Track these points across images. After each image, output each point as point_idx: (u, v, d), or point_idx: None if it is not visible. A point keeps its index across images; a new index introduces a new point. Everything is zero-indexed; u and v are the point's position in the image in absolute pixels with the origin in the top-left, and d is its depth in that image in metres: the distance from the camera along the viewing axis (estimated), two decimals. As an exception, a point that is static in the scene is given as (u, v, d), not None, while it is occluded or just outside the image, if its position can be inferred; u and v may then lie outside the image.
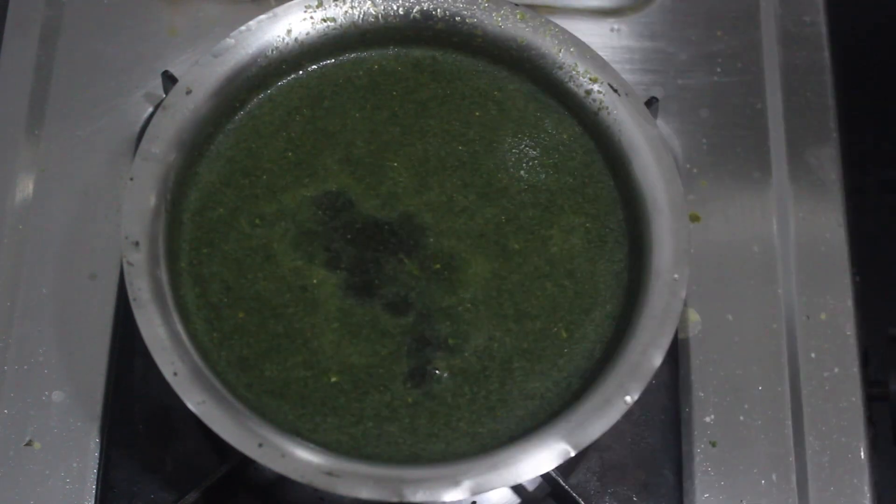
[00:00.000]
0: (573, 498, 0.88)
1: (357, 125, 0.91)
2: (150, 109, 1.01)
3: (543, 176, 0.90)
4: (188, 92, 0.88)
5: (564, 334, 0.85)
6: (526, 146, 0.91)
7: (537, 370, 0.84)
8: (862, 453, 0.93)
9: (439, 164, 0.90)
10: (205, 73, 0.88)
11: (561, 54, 0.91)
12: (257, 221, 0.87)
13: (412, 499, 0.78)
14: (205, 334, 0.84)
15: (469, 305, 0.86)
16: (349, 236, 0.87)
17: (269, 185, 0.88)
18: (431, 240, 0.87)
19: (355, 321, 0.85)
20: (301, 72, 0.92)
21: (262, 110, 0.91)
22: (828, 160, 1.02)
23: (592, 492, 0.92)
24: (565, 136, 0.91)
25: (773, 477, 0.92)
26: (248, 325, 0.85)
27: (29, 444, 0.91)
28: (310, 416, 0.83)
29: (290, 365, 0.84)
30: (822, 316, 0.97)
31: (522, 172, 0.90)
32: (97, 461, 0.91)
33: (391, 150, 0.90)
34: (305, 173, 0.89)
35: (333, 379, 0.83)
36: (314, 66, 0.92)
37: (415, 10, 0.92)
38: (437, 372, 0.84)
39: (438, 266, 0.87)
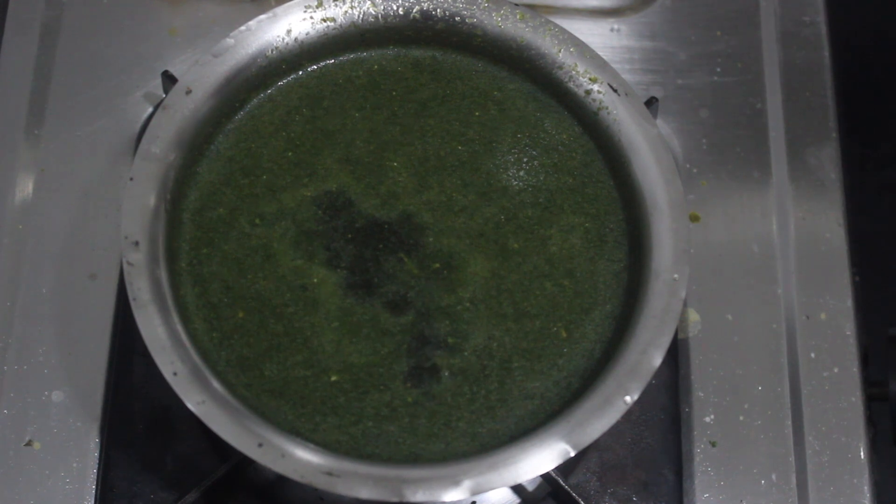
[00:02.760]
0: (573, 498, 0.88)
1: (357, 125, 0.91)
2: (150, 109, 1.01)
3: (543, 176, 0.90)
4: (188, 92, 0.88)
5: (564, 334, 0.85)
6: (526, 146, 0.91)
7: (537, 369, 0.84)
8: (862, 453, 0.93)
9: (439, 163, 0.90)
10: (205, 73, 0.88)
11: (561, 54, 0.91)
12: (257, 221, 0.87)
13: (412, 499, 0.78)
14: (205, 334, 0.84)
15: (468, 304, 0.86)
16: (349, 236, 0.87)
17: (268, 185, 0.88)
18: (431, 239, 0.87)
19: (355, 320, 0.85)
20: (301, 72, 0.92)
21: (262, 110, 0.91)
22: (828, 160, 1.02)
23: (592, 492, 0.92)
24: (565, 136, 0.91)
25: (773, 477, 0.92)
26: (247, 325, 0.85)
27: (29, 444, 0.91)
28: (309, 416, 0.82)
29: (289, 364, 0.84)
30: (822, 316, 0.97)
31: (522, 172, 0.90)
32: (97, 461, 0.91)
33: (391, 149, 0.90)
34: (305, 173, 0.89)
35: (333, 378, 0.83)
36: (314, 66, 0.92)
37: (415, 10, 0.92)
38: (436, 371, 0.84)
39: (438, 265, 0.87)
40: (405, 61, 0.93)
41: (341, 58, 0.92)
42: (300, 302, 0.85)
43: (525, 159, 0.90)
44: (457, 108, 0.91)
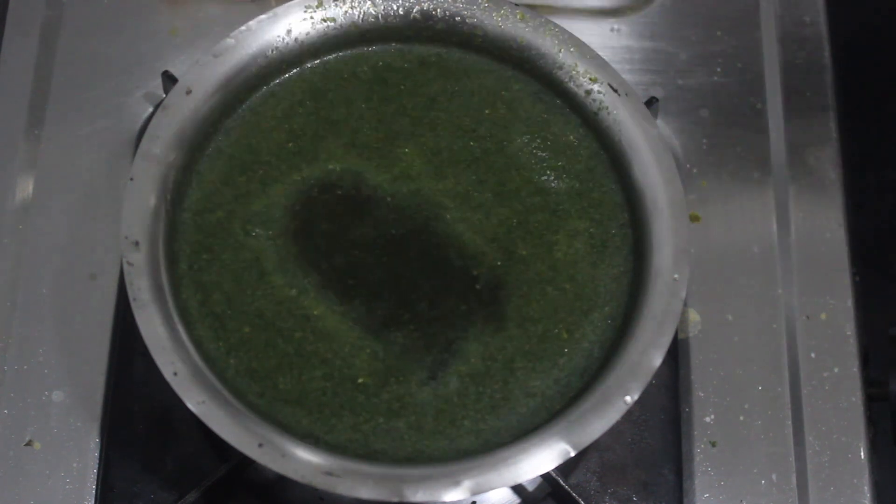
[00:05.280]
0: (573, 498, 0.88)
1: (364, 114, 0.90)
2: (150, 109, 1.01)
3: (553, 179, 0.89)
4: (188, 92, 0.88)
5: (565, 335, 0.85)
6: (535, 147, 0.90)
7: (538, 369, 0.84)
8: (862, 453, 0.93)
9: (452, 156, 0.89)
10: (205, 73, 0.88)
11: (561, 54, 0.91)
12: (248, 227, 0.86)
13: (412, 499, 0.78)
14: (210, 342, 0.83)
15: (475, 310, 0.85)
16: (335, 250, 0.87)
17: (262, 179, 0.88)
18: (445, 227, 0.87)
19: (358, 335, 0.84)
20: (303, 67, 0.91)
21: (264, 106, 0.90)
22: (828, 160, 1.02)
23: (592, 492, 0.92)
24: (571, 138, 0.91)
25: (773, 477, 0.92)
26: (254, 341, 0.84)
27: (29, 444, 0.91)
28: (326, 419, 0.82)
29: (306, 378, 0.83)
30: (822, 316, 0.97)
31: (533, 174, 0.89)
32: (97, 461, 0.91)
33: (401, 138, 0.89)
34: (304, 160, 0.88)
35: (360, 381, 0.83)
36: (317, 61, 0.92)
37: (415, 10, 0.92)
38: (443, 374, 0.84)
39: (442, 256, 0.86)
40: (410, 58, 0.92)
41: (343, 53, 0.92)
42: (306, 329, 0.84)
43: (534, 161, 0.90)
44: (466, 104, 0.91)
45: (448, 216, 0.87)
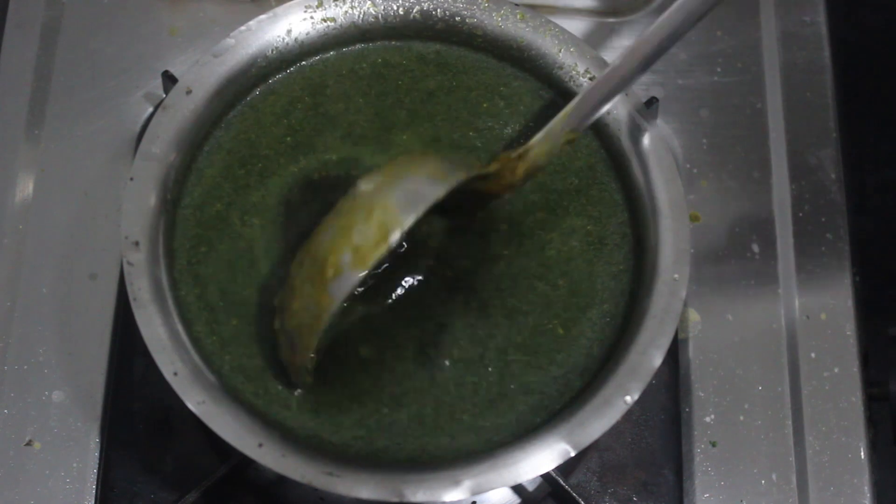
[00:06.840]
0: (573, 498, 0.88)
1: (361, 109, 0.90)
2: (150, 109, 1.01)
3: (550, 176, 0.89)
4: (188, 92, 0.88)
5: (561, 331, 0.85)
6: None
7: (534, 364, 0.84)
8: (862, 453, 0.93)
9: (452, 144, 0.89)
10: (205, 72, 0.88)
11: (561, 54, 0.91)
12: (246, 218, 0.87)
13: (412, 499, 0.78)
14: (206, 337, 0.84)
15: (462, 300, 0.85)
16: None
17: (261, 172, 0.88)
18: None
19: (351, 326, 0.84)
20: (303, 62, 0.91)
21: (263, 102, 0.90)
22: (828, 160, 1.02)
23: (592, 492, 0.92)
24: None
25: (773, 477, 0.92)
26: (242, 335, 0.83)
27: (29, 444, 0.91)
28: (330, 420, 0.82)
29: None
30: (822, 316, 0.97)
31: None
32: (97, 461, 0.91)
33: (398, 129, 0.89)
34: (302, 152, 0.88)
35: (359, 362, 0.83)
36: (316, 58, 0.92)
37: (415, 11, 0.92)
38: (436, 354, 0.83)
39: (433, 262, 0.86)
40: (409, 55, 0.92)
41: (343, 50, 0.92)
42: None
43: None
44: (464, 98, 0.91)
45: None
